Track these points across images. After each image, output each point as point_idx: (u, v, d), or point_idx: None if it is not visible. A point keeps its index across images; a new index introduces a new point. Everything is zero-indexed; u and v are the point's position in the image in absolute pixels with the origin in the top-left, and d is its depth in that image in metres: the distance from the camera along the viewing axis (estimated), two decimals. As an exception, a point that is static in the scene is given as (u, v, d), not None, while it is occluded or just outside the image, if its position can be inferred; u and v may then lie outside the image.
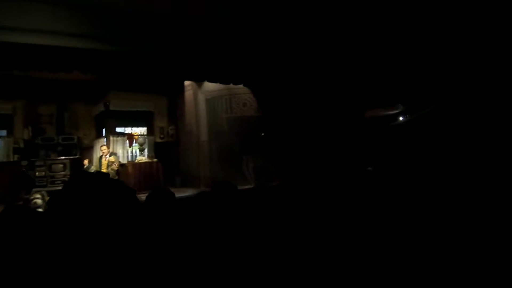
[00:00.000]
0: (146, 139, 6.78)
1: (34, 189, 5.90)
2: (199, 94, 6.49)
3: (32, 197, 4.35)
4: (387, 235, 2.06)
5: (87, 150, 6.83)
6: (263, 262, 1.54)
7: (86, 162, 5.57)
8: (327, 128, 6.68)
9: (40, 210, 4.35)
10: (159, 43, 5.03)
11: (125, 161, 6.55)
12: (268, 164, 6.21)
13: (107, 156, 5.87)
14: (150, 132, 7.12)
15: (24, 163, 5.89)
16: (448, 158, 5.58)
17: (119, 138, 6.69)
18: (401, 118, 7.81)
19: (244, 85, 5.87)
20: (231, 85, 5.95)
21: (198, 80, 6.11)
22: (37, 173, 5.94)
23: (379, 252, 1.78)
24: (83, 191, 1.99)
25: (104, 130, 6.77)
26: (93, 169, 5.75)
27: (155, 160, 6.38)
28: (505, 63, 4.81)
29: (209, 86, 6.29)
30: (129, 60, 5.24)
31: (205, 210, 2.02)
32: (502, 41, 4.66)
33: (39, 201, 4.36)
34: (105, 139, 6.47)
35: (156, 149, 6.94)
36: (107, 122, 6.56)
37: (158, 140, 7.12)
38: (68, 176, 6.24)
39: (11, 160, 5.97)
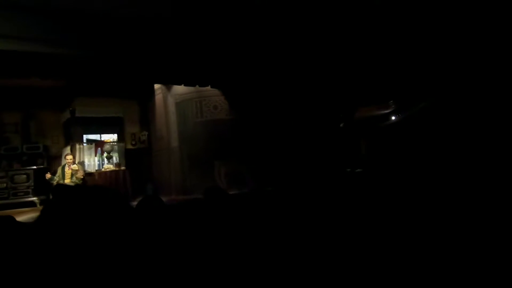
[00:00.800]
0: (114, 147, 6.49)
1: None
2: (169, 98, 6.21)
3: None
4: (370, 241, 1.95)
5: (56, 159, 6.56)
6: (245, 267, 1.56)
7: (48, 175, 5.23)
8: (307, 129, 6.37)
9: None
10: (121, 45, 4.76)
11: (93, 170, 6.26)
12: (241, 169, 5.90)
13: (71, 165, 5.58)
14: (120, 138, 6.83)
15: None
16: (440, 159, 5.27)
17: (86, 146, 6.41)
18: (393, 118, 7.47)
19: (211, 87, 5.58)
20: (201, 88, 5.67)
21: (163, 83, 5.83)
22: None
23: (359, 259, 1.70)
24: (75, 201, 2.07)
25: (74, 138, 6.50)
26: (56, 179, 5.46)
27: (122, 168, 6.09)
28: (496, 61, 4.55)
29: (178, 89, 6.01)
30: (91, 64, 4.98)
31: (194, 217, 2.07)
32: (495, 41, 4.41)
33: None
34: (71, 147, 6.18)
35: (128, 156, 6.66)
36: (73, 130, 6.28)
37: (130, 147, 6.84)
38: (32, 188, 5.99)
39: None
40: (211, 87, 5.57)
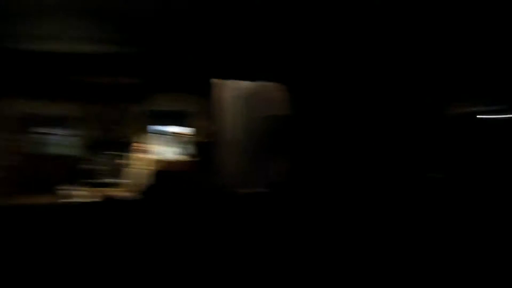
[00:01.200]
0: (184, 138, 6.93)
1: (83, 181, 6.67)
2: (232, 93, 6.28)
3: (60, 188, 4.82)
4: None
5: (138, 147, 7.35)
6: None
7: (126, 161, 5.93)
8: (383, 127, 5.56)
9: (67, 200, 4.76)
10: (185, 43, 4.98)
11: (165, 159, 6.81)
12: (303, 168, 5.53)
13: (145, 154, 6.17)
14: (190, 131, 7.26)
15: (79, 157, 6.67)
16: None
17: (160, 137, 7.02)
18: (494, 117, 5.98)
19: (274, 81, 5.39)
20: (263, 82, 5.59)
21: (225, 78, 5.93)
22: (91, 166, 6.65)
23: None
24: (168, 186, 2.47)
25: (148, 129, 7.19)
26: (133, 165, 6.09)
27: (190, 159, 6.46)
28: None
29: (241, 84, 6.03)
30: (161, 62, 5.37)
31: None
32: None
33: (66, 192, 4.80)
34: (146, 137, 6.87)
35: (196, 148, 7.00)
36: (150, 122, 6.94)
37: (198, 139, 7.17)
38: (115, 171, 6.83)
39: (73, 154, 6.84)
40: (274, 81, 5.37)
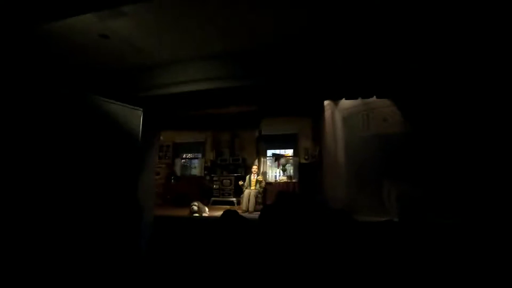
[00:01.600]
0: (290, 160, 7.22)
1: (212, 198, 7.86)
2: (336, 113, 6.20)
3: (192, 204, 5.85)
4: None
5: (251, 169, 8.19)
6: None
7: (240, 182, 6.72)
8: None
9: (196, 214, 5.73)
10: (285, 71, 5.37)
11: (272, 180, 7.28)
12: (417, 194, 4.85)
13: (255, 175, 6.83)
14: (295, 153, 7.52)
15: (207, 178, 7.95)
16: None
17: (269, 159, 7.56)
18: None
19: (377, 97, 5.03)
20: (368, 100, 5.29)
21: (322, 99, 5.91)
22: (214, 186, 7.83)
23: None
24: (286, 206, 2.81)
25: (261, 152, 7.90)
26: (245, 186, 6.84)
27: (294, 180, 6.67)
28: None
29: (345, 103, 5.90)
30: (269, 90, 5.94)
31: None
32: None
33: (195, 208, 5.79)
34: (258, 160, 7.53)
35: (300, 170, 7.20)
36: (260, 145, 7.61)
37: (303, 161, 7.37)
38: (233, 190, 7.78)
39: (201, 175, 8.25)
40: (377, 97, 5.03)
